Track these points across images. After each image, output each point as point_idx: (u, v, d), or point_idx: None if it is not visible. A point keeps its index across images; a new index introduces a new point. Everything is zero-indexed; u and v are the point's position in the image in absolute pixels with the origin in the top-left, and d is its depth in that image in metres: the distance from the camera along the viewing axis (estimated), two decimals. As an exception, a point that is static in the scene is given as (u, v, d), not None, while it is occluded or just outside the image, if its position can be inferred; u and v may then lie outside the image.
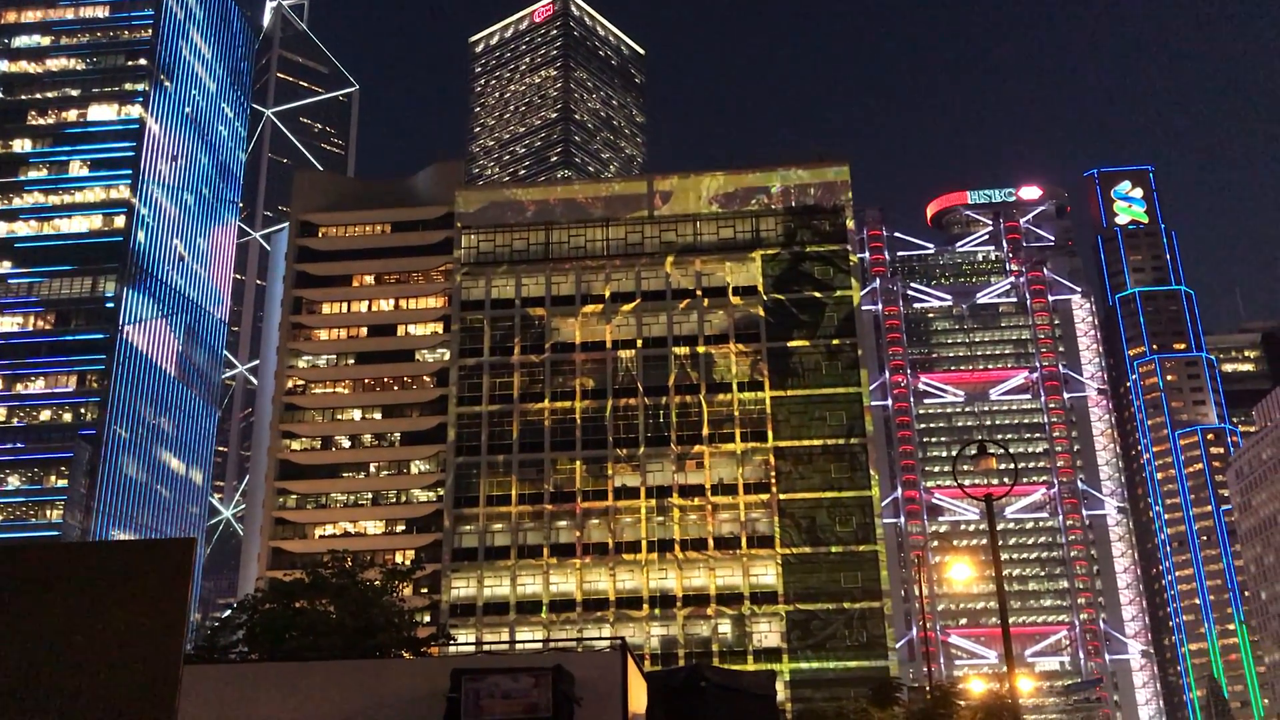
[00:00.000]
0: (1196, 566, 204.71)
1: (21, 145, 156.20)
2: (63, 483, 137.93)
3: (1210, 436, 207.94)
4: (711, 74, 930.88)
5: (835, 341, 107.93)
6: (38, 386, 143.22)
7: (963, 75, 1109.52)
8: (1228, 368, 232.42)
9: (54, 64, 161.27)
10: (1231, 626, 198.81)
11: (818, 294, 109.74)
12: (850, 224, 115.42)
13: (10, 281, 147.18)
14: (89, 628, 5.94)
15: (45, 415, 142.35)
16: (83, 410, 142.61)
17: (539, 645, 73.41)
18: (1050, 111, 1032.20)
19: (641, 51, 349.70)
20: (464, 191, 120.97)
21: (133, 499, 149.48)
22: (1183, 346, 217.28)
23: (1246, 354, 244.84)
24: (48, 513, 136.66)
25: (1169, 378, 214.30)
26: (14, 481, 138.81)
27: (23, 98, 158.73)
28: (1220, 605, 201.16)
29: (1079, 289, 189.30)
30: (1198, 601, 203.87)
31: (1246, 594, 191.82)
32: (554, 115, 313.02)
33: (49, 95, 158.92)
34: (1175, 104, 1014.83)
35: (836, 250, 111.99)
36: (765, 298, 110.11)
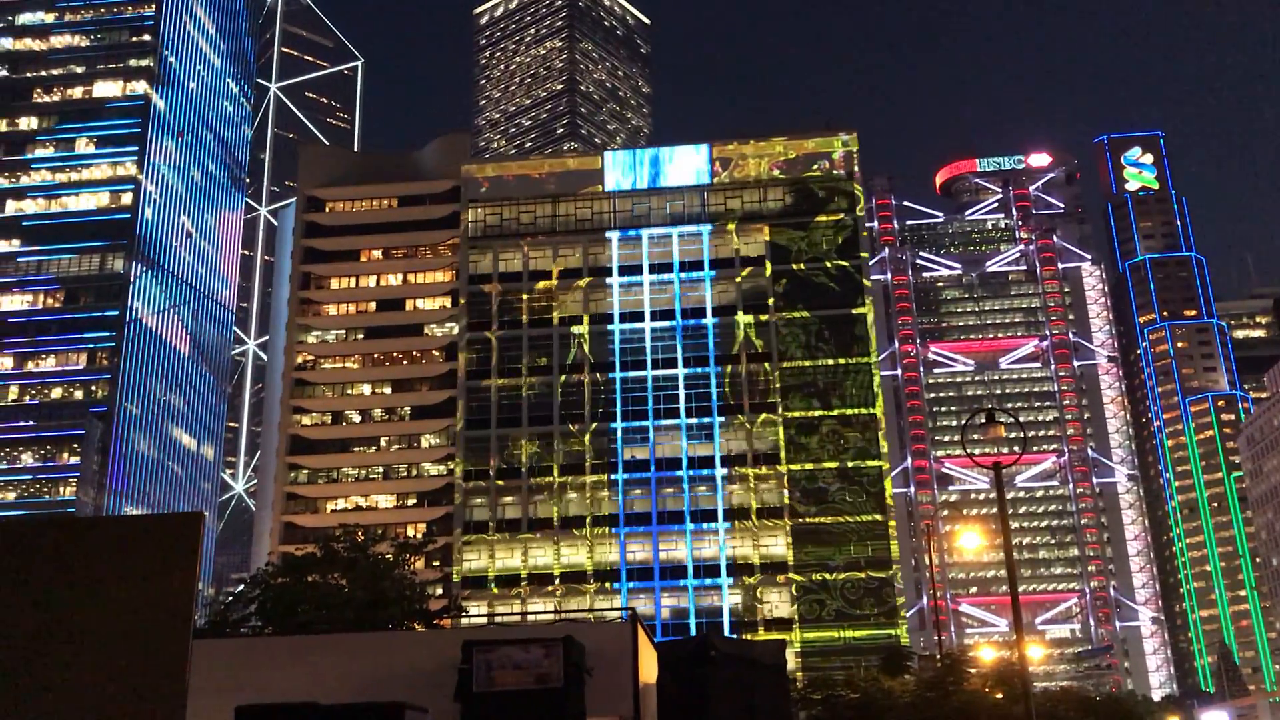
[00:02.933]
0: (1207, 533, 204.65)
1: (28, 123, 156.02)
2: (75, 459, 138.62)
3: (1221, 403, 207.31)
4: (717, 43, 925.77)
5: (844, 311, 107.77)
6: (48, 364, 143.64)
7: (971, 41, 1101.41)
8: (1239, 334, 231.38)
9: (58, 41, 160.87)
10: (1243, 593, 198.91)
11: (826, 264, 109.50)
12: (859, 193, 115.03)
13: (19, 260, 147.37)
14: (97, 602, 5.95)
15: (56, 393, 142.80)
16: (93, 387, 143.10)
17: (550, 616, 73.79)
18: (1060, 77, 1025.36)
19: (647, 21, 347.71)
20: (470, 165, 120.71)
21: (144, 475, 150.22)
22: (1193, 313, 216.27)
23: (1258, 320, 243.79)
24: (60, 489, 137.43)
25: (1179, 344, 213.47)
26: (26, 459, 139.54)
27: (28, 75, 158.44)
28: (1231, 572, 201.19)
29: (1089, 256, 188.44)
30: (1209, 568, 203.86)
31: (1257, 560, 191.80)
32: (560, 87, 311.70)
33: (54, 72, 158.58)
34: (1186, 69, 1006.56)
35: (844, 220, 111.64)
36: (773, 268, 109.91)
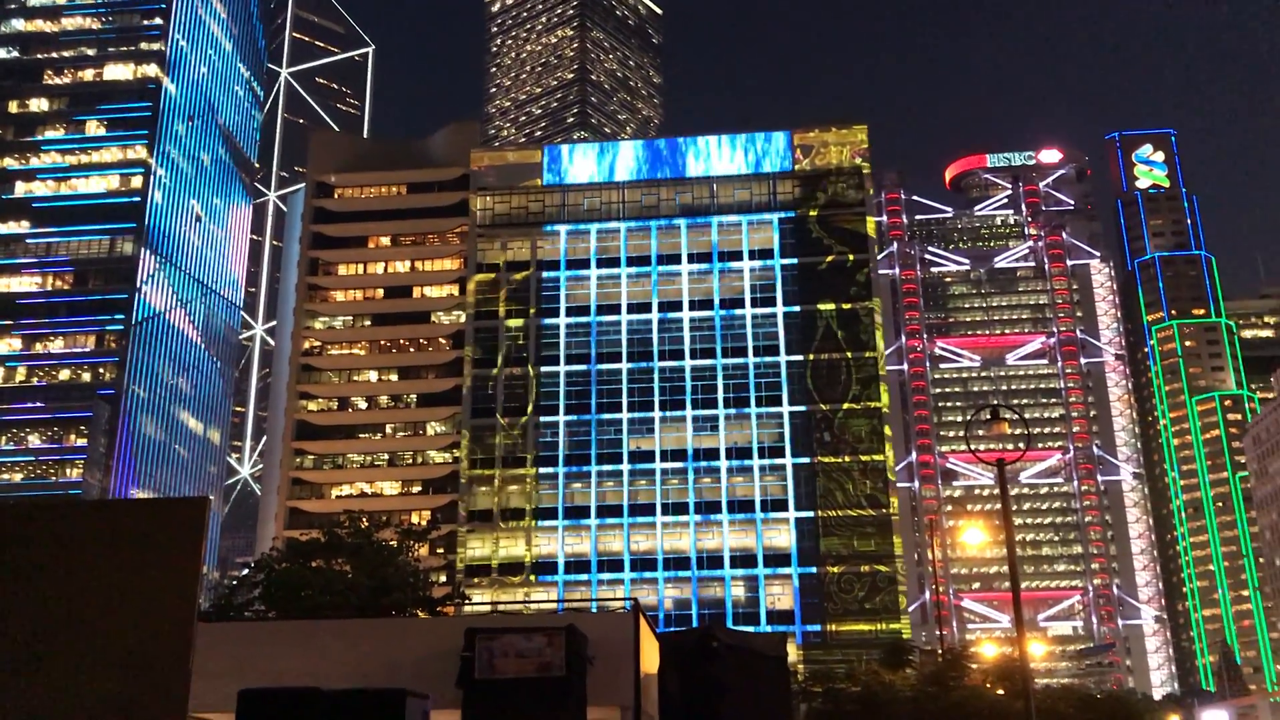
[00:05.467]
0: (1211, 532, 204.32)
1: (38, 105, 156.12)
2: (82, 441, 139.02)
3: (1228, 403, 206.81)
4: (729, 34, 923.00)
5: (851, 305, 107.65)
6: (57, 346, 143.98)
7: (982, 36, 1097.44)
8: (1247, 334, 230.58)
9: (70, 23, 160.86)
10: (1245, 593, 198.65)
11: (833, 257, 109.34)
12: (868, 186, 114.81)
13: (29, 241, 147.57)
14: (103, 586, 6.00)
15: (64, 375, 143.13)
16: (101, 370, 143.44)
17: (553, 605, 73.97)
18: (1071, 73, 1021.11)
19: (659, 11, 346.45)
20: (479, 153, 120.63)
21: (151, 458, 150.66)
22: (1202, 312, 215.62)
23: (1266, 320, 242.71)
24: (67, 471, 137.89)
25: (1187, 344, 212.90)
26: (34, 440, 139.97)
27: (39, 56, 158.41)
28: (1235, 571, 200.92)
29: (1098, 254, 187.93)
30: (1212, 567, 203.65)
31: (1261, 560, 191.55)
32: (570, 76, 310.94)
33: (65, 55, 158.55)
34: (1199, 67, 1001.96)
35: (853, 213, 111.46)
36: (781, 261, 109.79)
